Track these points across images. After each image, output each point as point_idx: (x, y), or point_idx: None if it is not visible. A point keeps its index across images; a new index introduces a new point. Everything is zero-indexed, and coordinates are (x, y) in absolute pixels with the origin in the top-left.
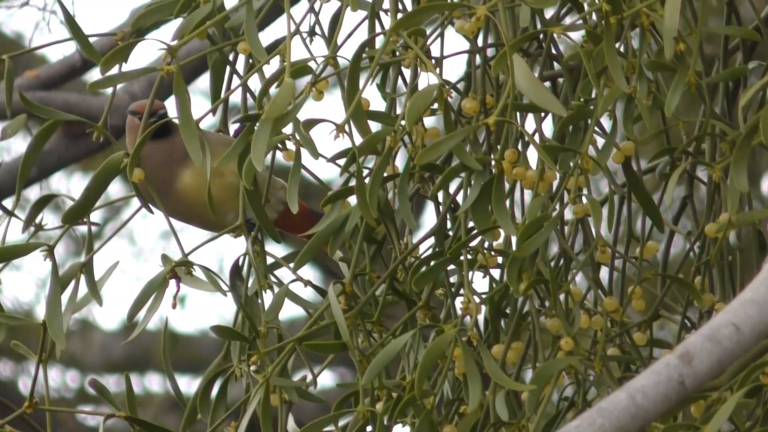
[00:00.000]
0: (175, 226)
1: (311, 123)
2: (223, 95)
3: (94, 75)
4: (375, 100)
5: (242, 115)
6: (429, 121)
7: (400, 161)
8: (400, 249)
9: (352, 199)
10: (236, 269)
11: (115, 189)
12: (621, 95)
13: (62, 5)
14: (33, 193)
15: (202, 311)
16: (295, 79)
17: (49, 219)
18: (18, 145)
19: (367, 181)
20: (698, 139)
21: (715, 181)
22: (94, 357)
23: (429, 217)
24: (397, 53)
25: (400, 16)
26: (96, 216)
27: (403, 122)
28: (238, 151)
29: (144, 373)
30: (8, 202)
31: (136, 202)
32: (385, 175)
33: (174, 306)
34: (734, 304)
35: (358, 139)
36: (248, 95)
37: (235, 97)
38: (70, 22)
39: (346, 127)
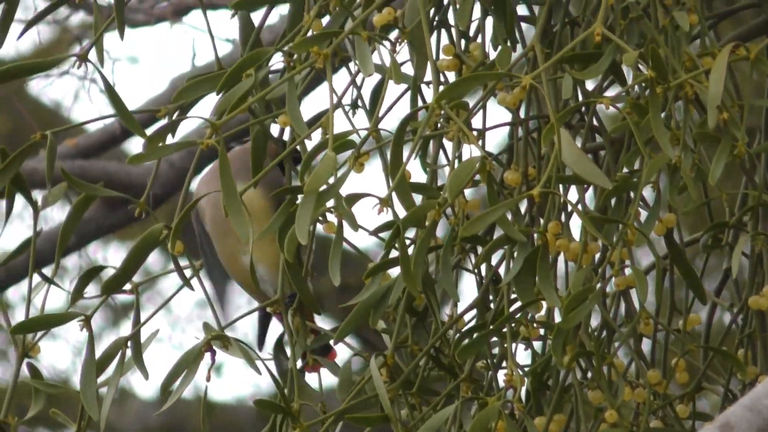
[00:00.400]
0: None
1: (355, 197)
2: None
3: (134, 143)
4: (415, 172)
5: (285, 186)
6: (469, 193)
7: (438, 232)
8: (442, 321)
9: (392, 272)
10: (279, 343)
11: (153, 258)
12: (664, 167)
13: (102, 75)
14: (71, 261)
15: (238, 379)
16: (338, 152)
17: (86, 288)
18: (57, 213)
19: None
20: (747, 211)
21: (757, 252)
22: (131, 424)
23: (465, 289)
24: (439, 126)
25: (441, 88)
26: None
27: (445, 194)
28: (278, 225)
29: None
30: (47, 270)
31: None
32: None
33: (208, 379)
34: None
35: (401, 212)
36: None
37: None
38: (111, 93)
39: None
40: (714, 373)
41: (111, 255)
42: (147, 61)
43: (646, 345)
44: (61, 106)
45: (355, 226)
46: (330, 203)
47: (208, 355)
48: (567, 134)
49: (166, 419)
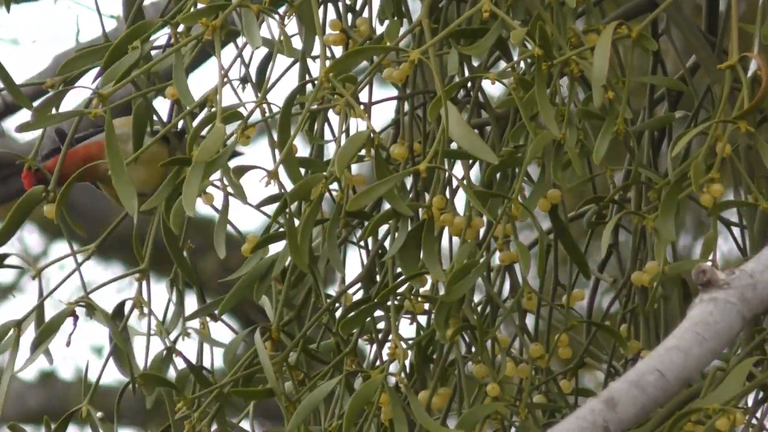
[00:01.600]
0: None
1: (242, 169)
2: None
3: (15, 121)
4: (300, 148)
5: (170, 158)
6: (354, 168)
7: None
8: (327, 295)
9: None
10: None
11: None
12: (549, 143)
13: None
14: None
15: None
16: (226, 124)
17: None
18: None
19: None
20: (626, 187)
21: (647, 229)
22: (9, 408)
23: (350, 265)
24: (326, 100)
25: (329, 63)
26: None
27: (332, 168)
28: (165, 195)
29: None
30: None
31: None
32: None
33: (68, 344)
34: (659, 350)
35: (288, 186)
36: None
37: None
38: None
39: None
40: (598, 349)
41: None
42: (29, 39)
43: (530, 321)
44: None
45: (244, 198)
46: (216, 175)
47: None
48: (454, 109)
49: (47, 402)
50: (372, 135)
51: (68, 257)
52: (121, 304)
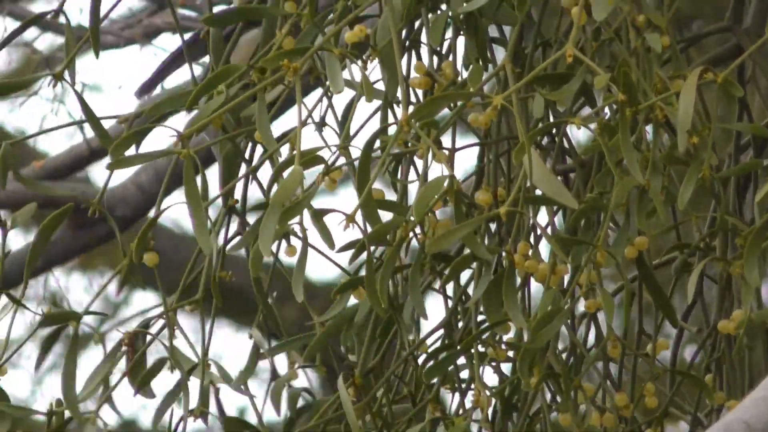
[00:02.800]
0: None
1: (321, 213)
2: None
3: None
4: (389, 193)
5: (255, 204)
6: (442, 214)
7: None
8: (409, 341)
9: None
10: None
11: None
12: (633, 189)
13: (75, 90)
14: (38, 284)
15: None
16: (307, 168)
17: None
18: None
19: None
20: (711, 234)
21: (733, 276)
22: None
23: (432, 312)
24: (409, 144)
25: (412, 107)
26: None
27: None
28: (249, 240)
29: None
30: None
31: None
32: (396, 265)
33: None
34: (746, 401)
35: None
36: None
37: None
38: (84, 104)
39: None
40: (681, 399)
41: (73, 283)
42: (114, 85)
43: (614, 370)
44: (26, 132)
45: (331, 242)
46: (296, 220)
47: None
48: (536, 154)
49: None
50: (452, 180)
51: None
52: None
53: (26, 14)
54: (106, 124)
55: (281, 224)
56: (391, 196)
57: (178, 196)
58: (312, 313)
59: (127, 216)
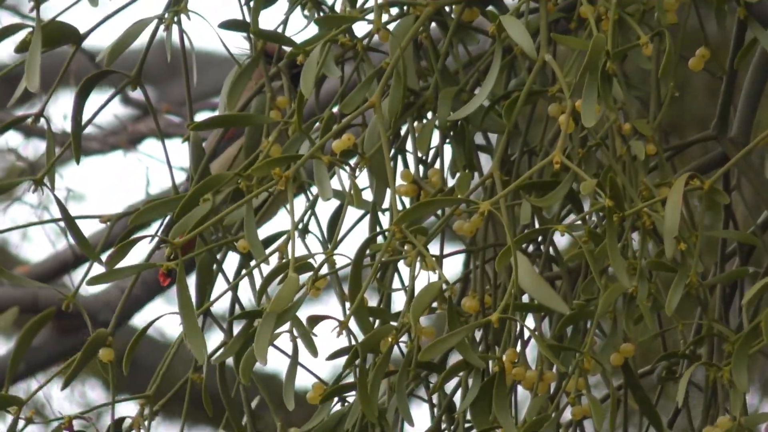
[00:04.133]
0: None
1: (315, 319)
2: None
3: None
4: (367, 295)
5: (242, 312)
6: (422, 320)
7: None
8: None
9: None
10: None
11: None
12: (620, 296)
13: (57, 198)
14: (20, 391)
15: None
16: (298, 274)
17: None
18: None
19: None
20: (698, 341)
21: (720, 382)
22: None
23: (418, 419)
24: (396, 251)
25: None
26: None
27: (404, 319)
28: (237, 347)
29: None
30: None
31: None
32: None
33: None
34: None
35: (359, 337)
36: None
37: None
38: (63, 210)
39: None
40: None
41: (55, 392)
42: (98, 192)
43: None
44: (8, 242)
45: (315, 351)
46: (286, 326)
47: None
48: (525, 260)
49: None
50: (445, 286)
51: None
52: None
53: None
54: (92, 226)
55: (274, 331)
56: (372, 302)
57: (160, 303)
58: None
59: (109, 320)
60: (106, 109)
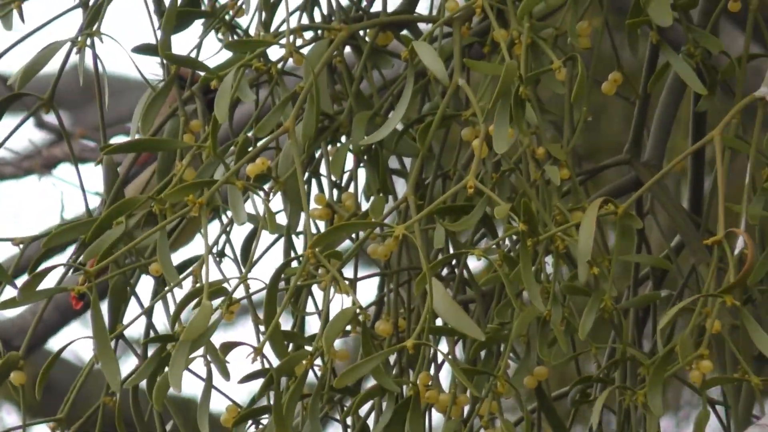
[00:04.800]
0: None
1: (229, 346)
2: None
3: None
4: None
5: (155, 336)
6: (337, 343)
7: None
8: None
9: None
10: None
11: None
12: (533, 320)
13: None
14: None
15: None
16: (211, 299)
17: None
18: None
19: None
20: (612, 365)
21: (635, 406)
22: None
23: None
24: (310, 275)
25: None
26: None
27: (316, 343)
28: (149, 372)
29: None
30: None
31: None
32: None
33: None
34: None
35: (273, 361)
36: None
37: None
38: None
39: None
40: None
41: None
42: (12, 217)
43: None
44: None
45: (227, 375)
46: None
47: None
48: (440, 285)
49: None
50: (359, 311)
51: None
52: None
53: None
54: (4, 250)
55: (188, 357)
56: (287, 325)
57: (77, 326)
58: None
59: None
60: (20, 133)
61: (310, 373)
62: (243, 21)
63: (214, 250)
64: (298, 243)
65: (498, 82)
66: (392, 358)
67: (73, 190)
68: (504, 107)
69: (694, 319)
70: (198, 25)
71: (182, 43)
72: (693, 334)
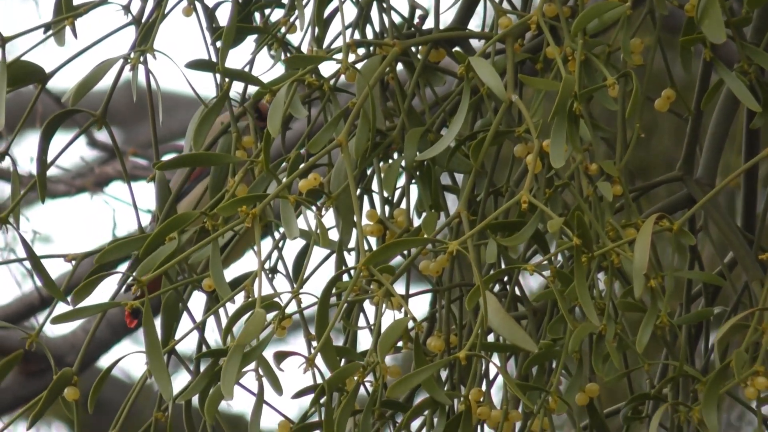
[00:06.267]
0: None
1: (281, 355)
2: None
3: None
4: (333, 335)
5: (207, 350)
6: (387, 360)
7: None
8: None
9: None
10: None
11: None
12: (587, 336)
13: (23, 239)
14: None
15: None
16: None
17: None
18: None
19: None
20: (668, 382)
21: (691, 422)
22: None
23: None
24: (362, 290)
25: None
26: None
27: (368, 358)
28: (202, 386)
29: None
30: None
31: None
32: None
33: None
34: None
35: (325, 374)
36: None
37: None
38: (29, 250)
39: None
40: None
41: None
42: (65, 234)
43: None
44: None
45: (279, 389)
46: (252, 364)
47: None
48: (493, 298)
49: None
50: (412, 323)
51: None
52: None
53: None
54: (58, 267)
55: (241, 367)
56: (338, 342)
57: (127, 344)
58: None
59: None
60: (73, 151)
61: (362, 390)
62: (294, 38)
63: (267, 266)
64: (350, 259)
65: (551, 98)
66: (444, 374)
67: (125, 208)
68: (559, 123)
69: (749, 335)
70: (250, 41)
71: (234, 59)
72: (748, 350)
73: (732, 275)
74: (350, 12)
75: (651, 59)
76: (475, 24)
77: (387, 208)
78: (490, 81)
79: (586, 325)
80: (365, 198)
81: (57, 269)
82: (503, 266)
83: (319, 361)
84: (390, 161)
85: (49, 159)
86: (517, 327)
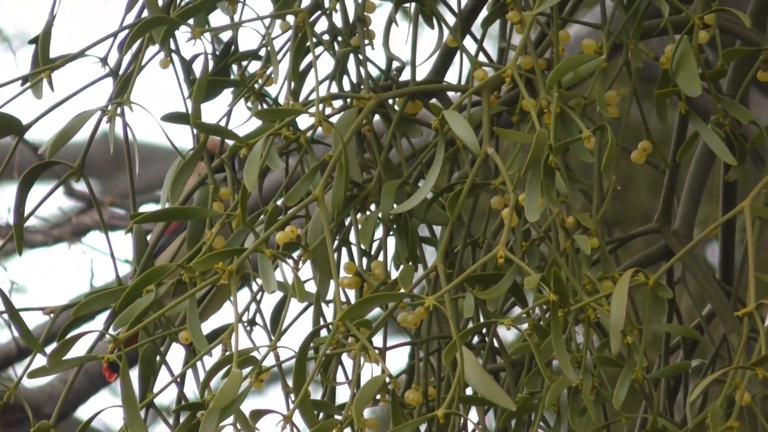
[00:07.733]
0: None
1: (258, 414)
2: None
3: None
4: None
5: (185, 404)
6: (366, 412)
7: None
8: None
9: None
10: None
11: None
12: (565, 389)
13: (1, 291)
14: None
15: None
16: (240, 368)
17: None
18: None
19: None
20: None
21: None
22: None
23: None
24: (340, 344)
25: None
26: None
27: (346, 412)
28: None
29: None
30: None
31: None
32: None
33: None
34: None
35: (303, 430)
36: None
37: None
38: (7, 302)
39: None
40: None
41: None
42: (42, 285)
43: None
44: None
45: None
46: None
47: None
48: (471, 354)
49: None
50: (389, 379)
51: None
52: None
53: None
54: (35, 318)
55: (217, 426)
56: (316, 394)
57: (106, 395)
58: None
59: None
60: (50, 201)
61: None
62: (272, 90)
63: (244, 318)
64: (328, 311)
65: (527, 150)
66: (422, 428)
67: (103, 258)
68: (534, 176)
69: (725, 390)
70: (227, 93)
71: (211, 111)
72: (723, 406)
73: (710, 327)
74: (328, 63)
75: (627, 111)
76: (452, 75)
77: (365, 260)
78: (463, 135)
79: (562, 380)
80: (343, 249)
81: (35, 320)
82: (481, 319)
83: (297, 417)
84: (367, 213)
85: (27, 210)
86: (493, 384)
